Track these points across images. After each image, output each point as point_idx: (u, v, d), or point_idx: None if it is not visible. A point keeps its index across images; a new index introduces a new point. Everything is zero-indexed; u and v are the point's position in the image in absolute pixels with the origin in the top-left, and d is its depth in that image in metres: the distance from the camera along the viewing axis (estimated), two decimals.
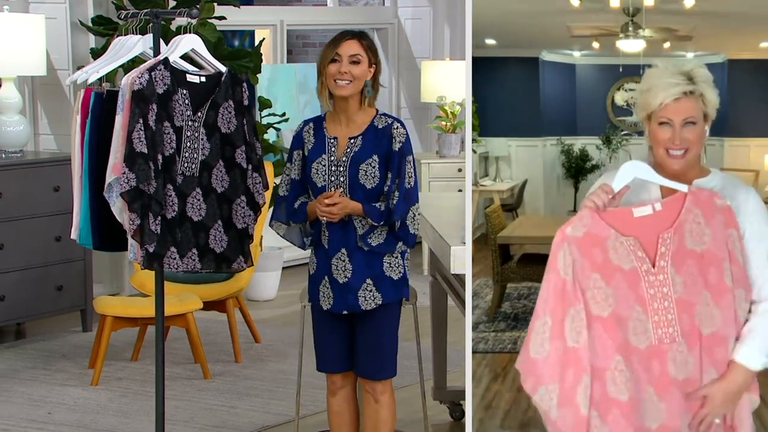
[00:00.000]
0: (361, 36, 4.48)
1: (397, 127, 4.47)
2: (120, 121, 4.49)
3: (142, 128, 4.41)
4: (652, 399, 3.47)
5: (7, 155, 7.22)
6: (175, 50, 4.61)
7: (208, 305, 6.86)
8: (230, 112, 4.59)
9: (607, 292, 3.47)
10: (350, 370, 4.65)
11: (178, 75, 4.54)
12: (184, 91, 4.53)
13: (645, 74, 3.60)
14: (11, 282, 7.05)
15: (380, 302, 4.50)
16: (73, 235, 4.75)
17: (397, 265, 4.52)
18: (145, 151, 4.41)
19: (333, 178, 4.47)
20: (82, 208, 4.69)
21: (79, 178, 4.69)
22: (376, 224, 4.44)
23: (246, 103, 4.61)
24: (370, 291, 4.50)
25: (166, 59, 4.53)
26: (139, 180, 4.40)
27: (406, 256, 4.56)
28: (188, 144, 4.53)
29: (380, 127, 4.48)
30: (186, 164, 4.54)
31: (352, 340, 4.60)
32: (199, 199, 4.57)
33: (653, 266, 3.47)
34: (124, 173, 4.40)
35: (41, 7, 7.89)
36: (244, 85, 4.63)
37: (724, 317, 3.47)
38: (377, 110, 4.54)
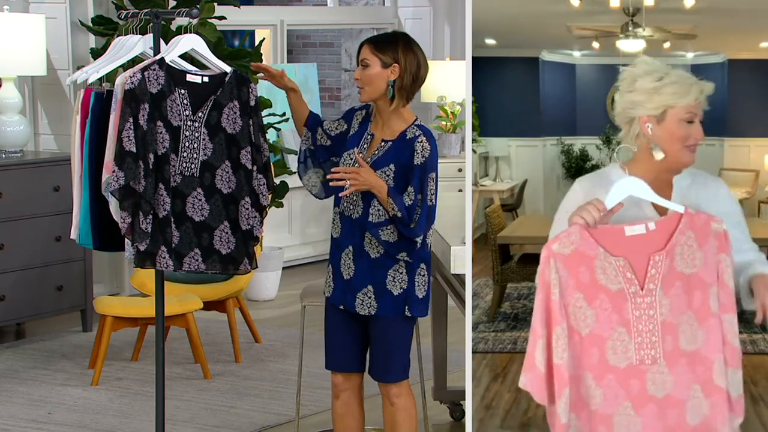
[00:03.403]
0: (375, 39, 4.45)
1: (422, 141, 4.38)
2: (113, 120, 4.49)
3: (132, 127, 4.41)
4: (628, 413, 3.43)
5: (7, 155, 7.22)
6: (173, 50, 4.60)
7: (208, 305, 6.86)
8: (235, 113, 4.57)
9: (587, 312, 3.40)
10: (354, 372, 4.60)
11: (175, 75, 4.53)
12: (183, 91, 4.52)
13: (648, 68, 3.55)
14: (11, 282, 7.05)
15: (374, 312, 4.44)
16: (73, 235, 4.75)
17: (400, 280, 4.44)
18: (134, 150, 4.41)
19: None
20: (81, 208, 4.70)
21: (78, 178, 4.70)
22: (396, 214, 4.33)
23: (253, 103, 4.59)
24: (369, 297, 4.45)
25: (161, 59, 4.53)
26: (128, 178, 4.40)
27: (419, 271, 4.45)
28: (187, 144, 4.53)
29: (408, 137, 4.42)
30: (184, 164, 4.53)
31: (362, 342, 4.56)
32: (200, 200, 4.56)
33: (641, 288, 3.40)
34: (114, 172, 4.41)
35: (41, 7, 7.89)
36: (252, 85, 4.60)
37: (708, 339, 3.42)
38: (416, 118, 4.47)
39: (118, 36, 4.88)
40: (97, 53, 7.28)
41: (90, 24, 7.68)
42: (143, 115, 4.44)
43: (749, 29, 4.02)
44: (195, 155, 4.54)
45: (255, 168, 4.58)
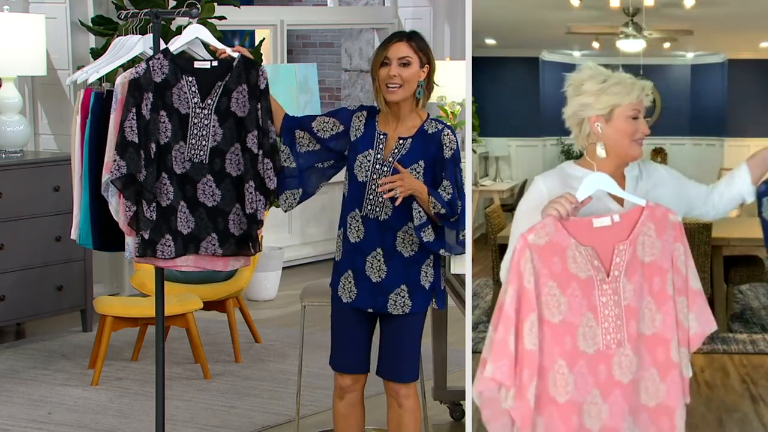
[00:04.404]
0: (410, 37, 4.40)
1: (448, 134, 4.37)
2: (114, 120, 4.49)
3: (135, 117, 4.41)
4: (596, 401, 3.58)
5: (7, 155, 7.22)
6: (178, 40, 4.60)
7: (208, 305, 6.86)
8: (244, 96, 4.52)
9: (560, 300, 3.55)
10: (362, 374, 4.58)
11: (181, 63, 4.52)
12: (190, 79, 4.51)
13: (592, 73, 3.72)
14: (11, 282, 7.05)
15: (409, 310, 4.43)
16: (73, 235, 4.75)
17: (431, 274, 4.45)
18: (136, 140, 4.42)
19: (375, 176, 4.39)
20: (81, 208, 4.70)
21: (78, 178, 4.70)
22: (440, 211, 4.29)
23: (262, 87, 4.51)
24: (403, 297, 4.42)
25: (166, 49, 4.52)
26: (130, 168, 4.41)
27: (440, 263, 4.49)
28: (195, 131, 4.52)
29: (430, 132, 4.39)
30: (193, 151, 4.52)
31: (369, 343, 4.54)
32: (210, 186, 4.55)
33: (607, 275, 3.58)
34: (115, 161, 4.40)
35: (41, 7, 7.89)
36: (261, 68, 4.52)
37: (665, 321, 3.61)
38: (428, 114, 4.45)
39: (118, 36, 4.88)
40: (97, 53, 7.28)
41: (90, 24, 7.69)
42: (146, 105, 4.43)
43: (749, 29, 4.02)
44: (204, 142, 4.52)
45: (261, 152, 4.52)
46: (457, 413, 5.87)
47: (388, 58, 4.36)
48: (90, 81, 4.70)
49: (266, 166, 4.52)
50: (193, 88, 4.52)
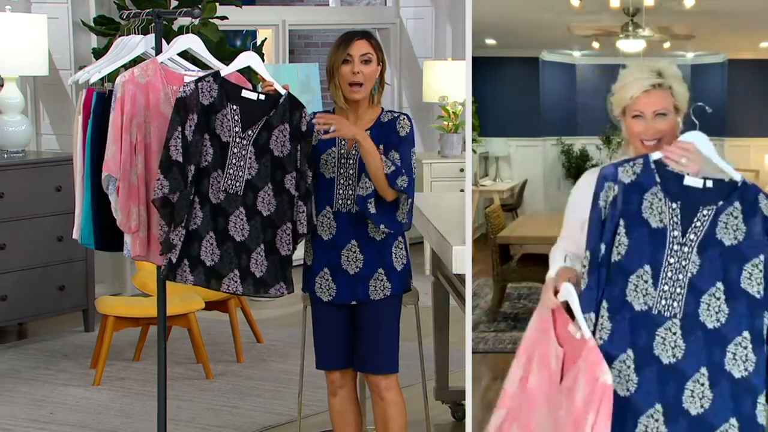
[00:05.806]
0: (368, 36, 4.50)
1: (403, 119, 4.49)
2: (113, 119, 4.48)
3: (180, 137, 4.36)
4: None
5: (8, 155, 7.23)
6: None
7: (210, 305, 6.86)
8: (285, 136, 4.46)
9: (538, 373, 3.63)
10: (349, 368, 4.62)
11: (229, 90, 4.46)
12: (235, 107, 4.45)
13: (620, 74, 3.72)
14: (13, 282, 7.06)
15: (389, 293, 4.49)
16: (75, 235, 4.75)
17: (402, 256, 4.53)
18: (180, 159, 4.37)
19: (342, 170, 4.46)
20: (83, 208, 4.70)
21: (80, 178, 4.70)
22: (390, 169, 4.35)
23: (303, 129, 4.48)
24: (381, 281, 4.48)
25: (217, 73, 4.48)
26: (172, 188, 4.37)
27: (408, 244, 4.58)
28: (233, 161, 4.45)
29: (386, 120, 4.49)
30: (229, 181, 4.45)
31: (352, 336, 4.59)
32: (242, 219, 4.47)
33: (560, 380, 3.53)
34: (159, 180, 4.36)
35: (43, 7, 7.90)
36: (304, 111, 4.52)
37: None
38: (382, 108, 4.56)
39: (120, 36, 4.89)
40: (99, 53, 7.29)
41: (92, 24, 7.70)
42: (190, 126, 4.38)
43: (749, 29, 4.02)
44: (240, 173, 4.46)
45: (297, 194, 4.47)
46: (459, 413, 5.87)
47: (351, 56, 4.46)
48: (92, 81, 4.70)
49: (299, 209, 4.47)
50: (236, 117, 4.45)
